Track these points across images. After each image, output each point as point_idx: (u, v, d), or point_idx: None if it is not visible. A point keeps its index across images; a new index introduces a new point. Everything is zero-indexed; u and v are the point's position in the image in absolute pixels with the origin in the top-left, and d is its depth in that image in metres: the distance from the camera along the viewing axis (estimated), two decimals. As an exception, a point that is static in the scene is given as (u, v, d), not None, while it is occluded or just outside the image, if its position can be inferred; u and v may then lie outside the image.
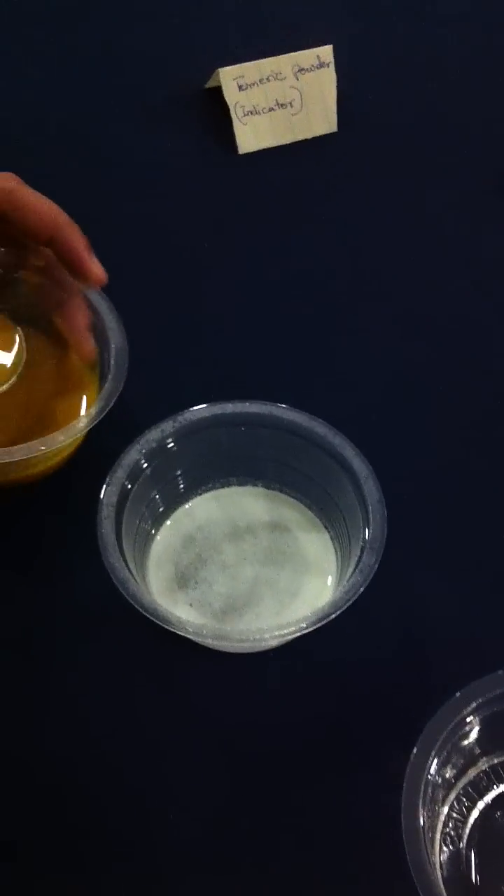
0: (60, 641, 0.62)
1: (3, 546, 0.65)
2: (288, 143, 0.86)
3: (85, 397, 0.65)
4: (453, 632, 0.63)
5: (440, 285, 0.79)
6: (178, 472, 0.64)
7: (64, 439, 0.59)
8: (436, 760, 0.51)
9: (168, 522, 0.65)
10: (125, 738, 0.60)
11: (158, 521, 0.64)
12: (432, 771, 0.51)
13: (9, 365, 0.63)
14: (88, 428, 0.61)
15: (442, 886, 0.49)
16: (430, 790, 0.51)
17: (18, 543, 0.65)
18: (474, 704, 0.53)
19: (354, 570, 0.58)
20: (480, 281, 0.80)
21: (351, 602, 0.56)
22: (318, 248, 0.81)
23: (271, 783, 0.58)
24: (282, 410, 0.63)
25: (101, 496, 0.58)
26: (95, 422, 0.60)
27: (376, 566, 0.57)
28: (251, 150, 0.85)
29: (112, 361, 0.62)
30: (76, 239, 0.60)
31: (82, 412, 0.64)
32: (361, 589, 0.56)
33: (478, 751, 0.55)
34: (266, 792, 0.58)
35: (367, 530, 0.59)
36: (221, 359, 0.74)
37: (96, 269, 0.61)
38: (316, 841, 0.57)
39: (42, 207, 0.59)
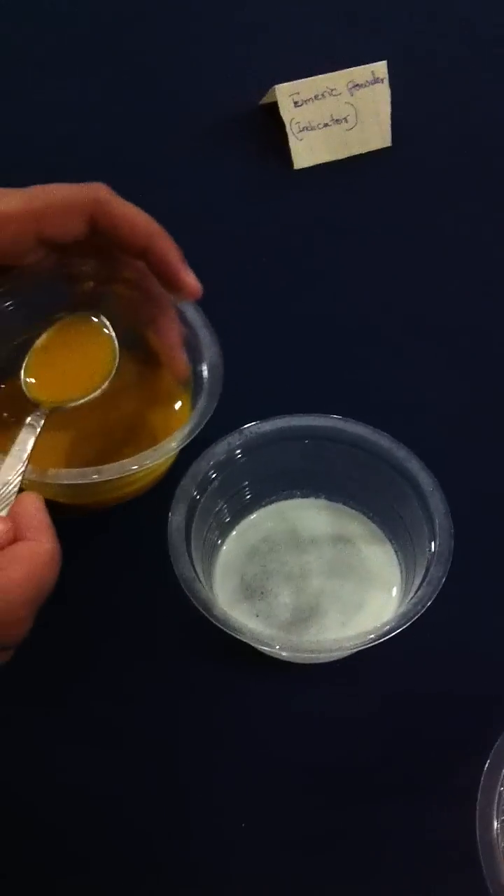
0: (128, 650, 0.63)
1: (76, 559, 0.66)
2: (343, 158, 0.86)
3: (176, 413, 0.64)
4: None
5: (495, 303, 0.80)
6: (245, 484, 0.64)
7: (156, 457, 0.57)
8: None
9: (234, 533, 0.65)
10: (191, 747, 0.60)
11: (225, 531, 0.65)
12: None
13: (101, 370, 0.60)
14: (181, 447, 0.59)
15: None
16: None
17: (92, 557, 0.66)
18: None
19: (422, 582, 0.58)
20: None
21: (420, 615, 0.57)
22: (373, 263, 0.82)
23: (340, 797, 0.59)
24: (346, 423, 0.63)
25: (171, 507, 0.59)
26: (188, 440, 0.59)
27: (444, 579, 0.57)
28: (307, 166, 0.86)
29: (206, 377, 0.61)
30: (170, 250, 0.58)
31: (175, 432, 0.61)
32: (430, 602, 0.57)
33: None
34: (335, 806, 0.58)
35: (434, 543, 0.59)
36: (283, 372, 0.75)
37: (191, 280, 0.59)
38: (388, 856, 0.57)
39: (135, 218, 0.58)
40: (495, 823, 0.50)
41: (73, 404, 0.59)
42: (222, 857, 0.57)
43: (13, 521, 0.50)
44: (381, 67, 0.85)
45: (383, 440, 0.62)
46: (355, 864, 0.57)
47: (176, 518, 0.58)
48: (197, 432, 0.59)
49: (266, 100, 0.87)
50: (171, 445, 0.58)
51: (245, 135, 0.88)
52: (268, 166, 0.86)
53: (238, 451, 0.62)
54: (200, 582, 0.57)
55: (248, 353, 0.75)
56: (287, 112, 0.84)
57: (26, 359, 0.60)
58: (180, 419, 0.62)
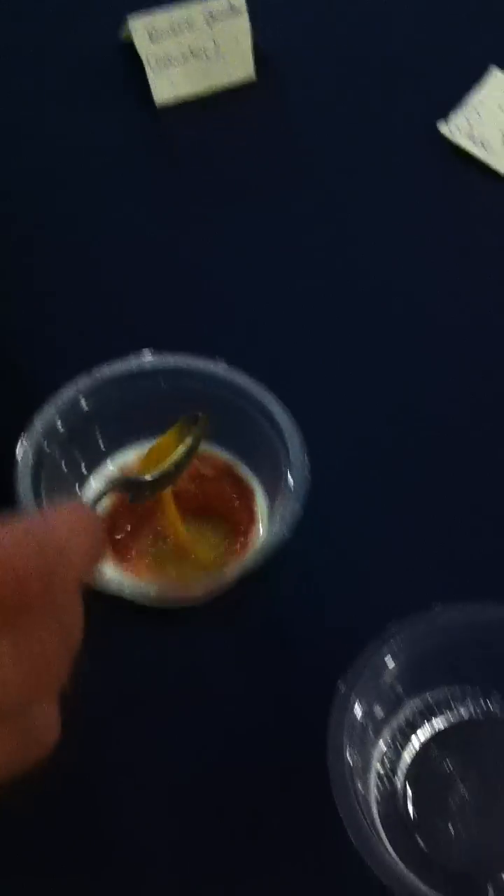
0: None
1: None
2: (206, 92, 0.84)
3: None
4: (382, 576, 0.63)
5: (357, 231, 0.78)
6: (97, 430, 0.63)
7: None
8: (359, 700, 0.51)
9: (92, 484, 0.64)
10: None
11: (83, 484, 0.63)
12: (357, 710, 0.51)
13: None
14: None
15: (368, 821, 0.49)
16: (357, 729, 0.51)
17: None
18: (397, 644, 0.53)
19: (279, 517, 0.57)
20: (408, 229, 0.79)
21: (276, 549, 0.56)
22: (239, 195, 0.80)
23: (203, 733, 0.58)
24: (203, 363, 0.62)
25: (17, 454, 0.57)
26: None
27: (301, 512, 0.57)
28: (168, 100, 0.83)
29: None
30: None
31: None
32: (286, 535, 0.56)
33: (405, 689, 0.55)
34: (196, 742, 0.58)
35: (289, 476, 0.58)
36: (148, 312, 0.73)
37: None
38: (250, 784, 0.56)
39: None
40: (348, 750, 0.50)
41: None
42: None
43: None
44: (238, -3, 0.83)
45: (238, 377, 0.61)
46: (218, 796, 0.57)
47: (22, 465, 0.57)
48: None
49: (127, 36, 0.84)
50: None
51: (108, 72, 0.86)
52: (131, 103, 0.84)
53: (84, 397, 0.60)
54: None
55: (117, 287, 0.74)
56: (144, 46, 0.82)
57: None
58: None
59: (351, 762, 0.49)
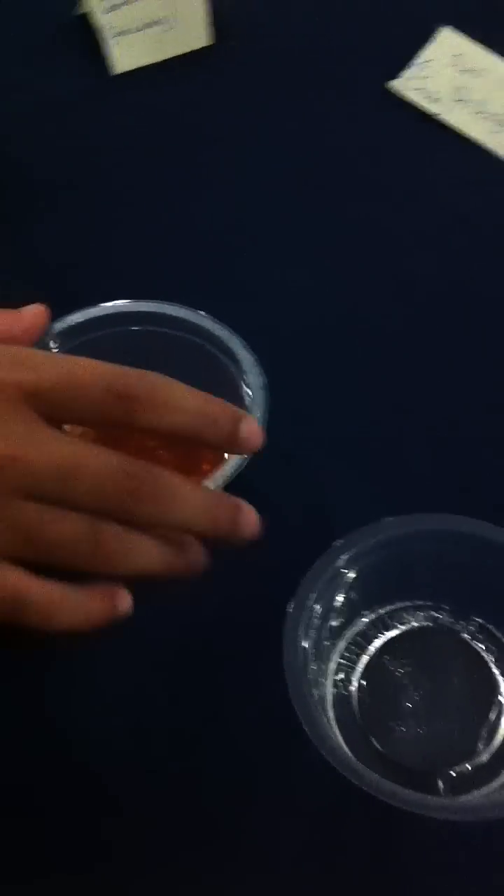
0: None
1: None
2: (164, 59, 0.87)
3: None
4: (334, 494, 0.65)
5: (322, 190, 0.82)
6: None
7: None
8: (317, 602, 0.53)
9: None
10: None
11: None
12: (315, 612, 0.53)
13: None
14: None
15: (324, 719, 0.52)
16: (312, 636, 0.53)
17: None
18: (349, 556, 0.55)
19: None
20: (364, 183, 0.82)
21: (232, 477, 0.58)
22: (199, 161, 0.83)
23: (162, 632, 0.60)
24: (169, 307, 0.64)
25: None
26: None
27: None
28: (127, 70, 0.86)
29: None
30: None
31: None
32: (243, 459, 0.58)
33: (359, 601, 0.58)
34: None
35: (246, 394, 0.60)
36: (110, 266, 0.76)
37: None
38: (209, 704, 0.59)
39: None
40: (302, 649, 0.52)
41: None
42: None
43: None
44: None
45: (205, 321, 0.64)
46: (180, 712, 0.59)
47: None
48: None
49: (82, 8, 0.87)
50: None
51: (67, 44, 0.88)
52: (89, 74, 0.87)
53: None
54: None
55: (75, 250, 0.77)
56: (100, 16, 0.85)
57: None
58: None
59: (308, 659, 0.52)
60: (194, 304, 0.64)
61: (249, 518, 0.48)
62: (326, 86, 0.88)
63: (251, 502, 0.62)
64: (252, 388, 0.61)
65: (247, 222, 0.79)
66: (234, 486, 0.58)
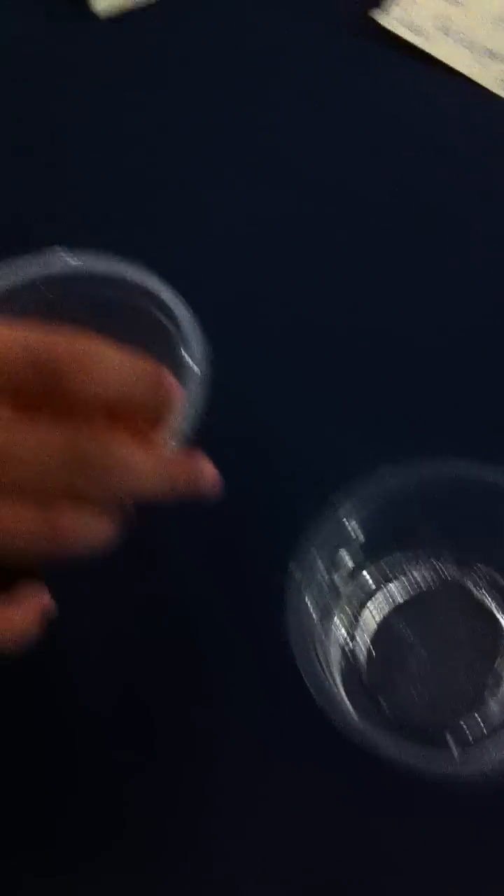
0: None
1: None
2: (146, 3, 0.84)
3: None
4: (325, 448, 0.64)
5: (307, 125, 0.80)
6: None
7: None
8: (319, 559, 0.53)
9: None
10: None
11: None
12: (319, 569, 0.53)
13: None
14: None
15: (329, 682, 0.51)
16: (315, 593, 0.53)
17: None
18: (347, 509, 0.54)
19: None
20: (350, 117, 0.80)
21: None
22: (180, 107, 0.81)
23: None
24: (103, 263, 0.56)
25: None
26: None
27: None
28: (106, 8, 0.83)
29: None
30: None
31: None
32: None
33: (361, 554, 0.57)
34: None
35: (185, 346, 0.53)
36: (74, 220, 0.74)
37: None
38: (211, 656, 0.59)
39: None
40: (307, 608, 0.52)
41: None
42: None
43: None
44: None
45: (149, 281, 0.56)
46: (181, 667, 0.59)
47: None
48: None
49: None
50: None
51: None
52: (69, 14, 0.84)
53: None
54: None
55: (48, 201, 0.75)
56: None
57: None
58: None
59: (313, 618, 0.52)
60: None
61: (208, 472, 0.45)
62: (308, 17, 0.85)
63: (242, 460, 0.62)
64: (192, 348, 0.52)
65: (227, 166, 0.78)
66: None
